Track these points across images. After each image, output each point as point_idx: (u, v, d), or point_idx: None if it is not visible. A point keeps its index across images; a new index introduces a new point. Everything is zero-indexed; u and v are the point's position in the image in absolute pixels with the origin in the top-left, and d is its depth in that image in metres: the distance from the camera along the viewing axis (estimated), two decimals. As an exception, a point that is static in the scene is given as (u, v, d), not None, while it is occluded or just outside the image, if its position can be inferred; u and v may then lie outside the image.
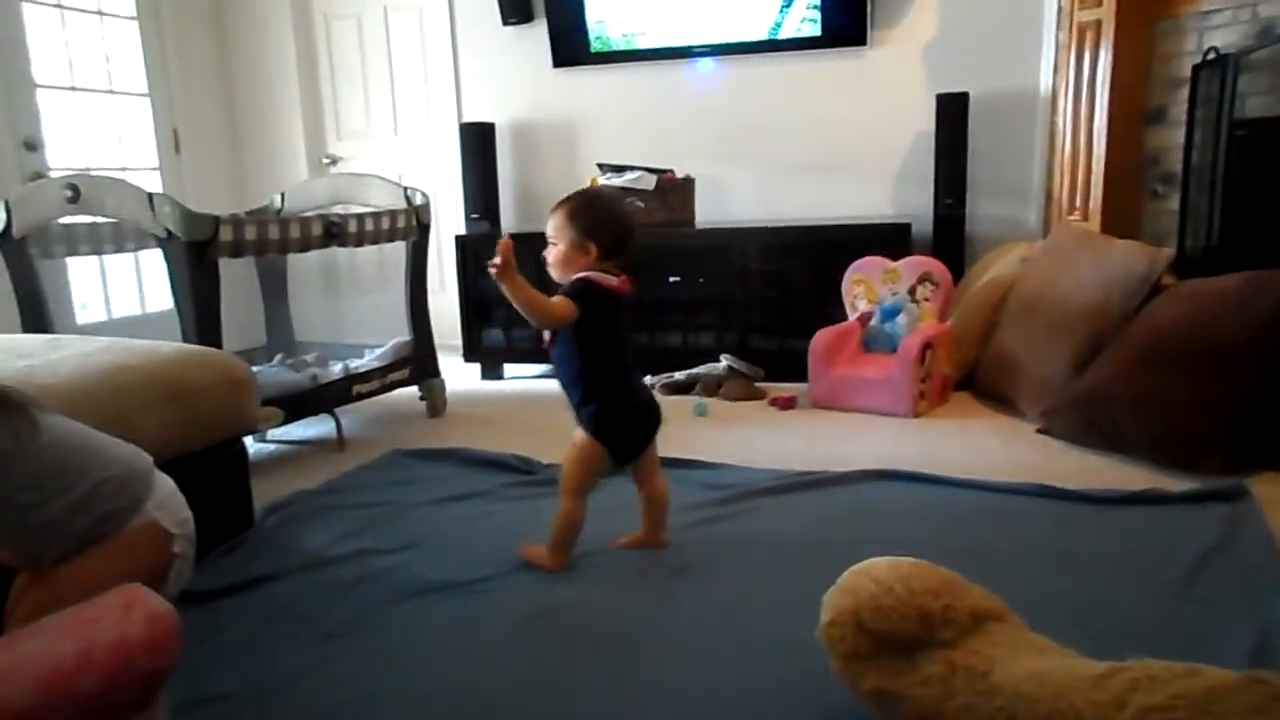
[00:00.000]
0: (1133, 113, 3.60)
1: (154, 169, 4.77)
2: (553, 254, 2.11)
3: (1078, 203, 3.75)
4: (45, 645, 1.04)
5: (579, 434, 2.15)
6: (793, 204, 4.49)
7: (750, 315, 4.10)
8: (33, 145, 3.94)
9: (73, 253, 3.17)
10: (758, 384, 3.90)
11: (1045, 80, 4.07)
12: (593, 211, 2.08)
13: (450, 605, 2.04)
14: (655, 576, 2.15)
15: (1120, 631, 1.80)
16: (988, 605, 1.47)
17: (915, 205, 4.23)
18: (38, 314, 3.07)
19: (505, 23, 4.71)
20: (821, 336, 3.62)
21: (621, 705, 1.64)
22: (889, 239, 3.87)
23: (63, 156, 4.18)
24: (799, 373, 3.75)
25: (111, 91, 4.58)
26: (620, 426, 2.14)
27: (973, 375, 3.72)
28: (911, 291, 3.67)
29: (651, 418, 2.21)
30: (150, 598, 1.15)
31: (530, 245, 4.31)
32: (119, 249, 3.21)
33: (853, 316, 3.79)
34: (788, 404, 3.67)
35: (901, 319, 3.67)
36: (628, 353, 2.16)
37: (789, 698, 1.64)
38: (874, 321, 3.76)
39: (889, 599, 1.45)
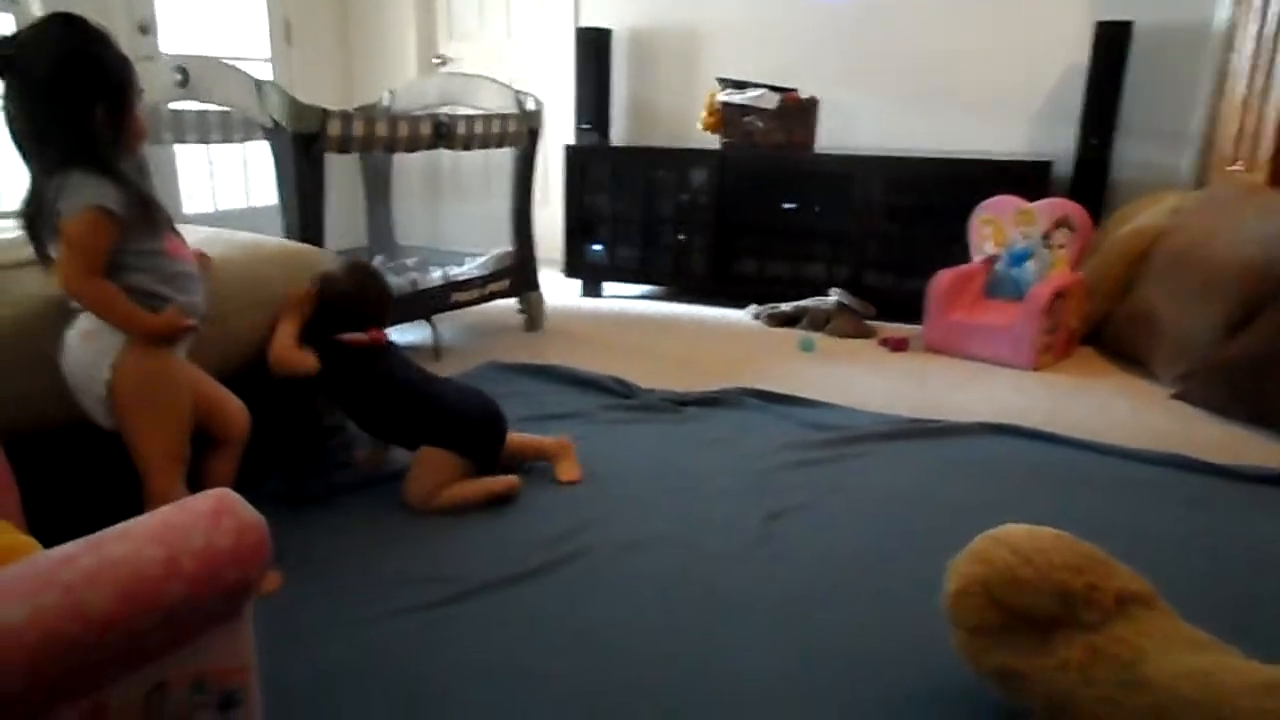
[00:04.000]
0: (1319, 54, 3.22)
1: (265, 60, 4.72)
2: None
3: (1243, 152, 3.40)
4: (131, 549, 0.98)
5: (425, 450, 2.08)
6: (922, 135, 4.21)
7: (866, 249, 3.89)
8: (146, 28, 3.92)
9: (180, 140, 3.14)
10: (868, 322, 3.71)
11: (1223, 13, 3.68)
12: (322, 294, 2.12)
13: (534, 532, 1.97)
14: (747, 518, 2.04)
15: (1267, 626, 1.62)
16: (1136, 588, 1.33)
17: (1056, 144, 3.92)
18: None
19: (629, -77, 4.49)
20: (943, 277, 3.40)
21: (716, 659, 1.54)
22: (1025, 178, 3.59)
23: (175, 42, 4.14)
24: (913, 314, 3.56)
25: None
26: (464, 440, 2.09)
27: (1101, 330, 3.46)
28: (1045, 236, 3.41)
29: (490, 427, 2.16)
30: (241, 506, 1.08)
31: (640, 159, 4.21)
32: (226, 139, 3.16)
33: (978, 259, 3.56)
34: (899, 345, 3.48)
35: (1031, 264, 3.42)
36: (425, 384, 2.14)
37: (897, 663, 1.52)
38: (1000, 265, 3.51)
39: (1026, 570, 1.32)
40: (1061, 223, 3.37)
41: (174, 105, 3.02)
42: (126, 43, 3.78)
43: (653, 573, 1.80)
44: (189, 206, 4.17)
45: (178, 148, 3.49)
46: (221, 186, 4.40)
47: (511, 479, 2.10)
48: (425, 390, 2.12)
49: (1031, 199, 3.46)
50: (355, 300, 2.13)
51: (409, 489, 2.05)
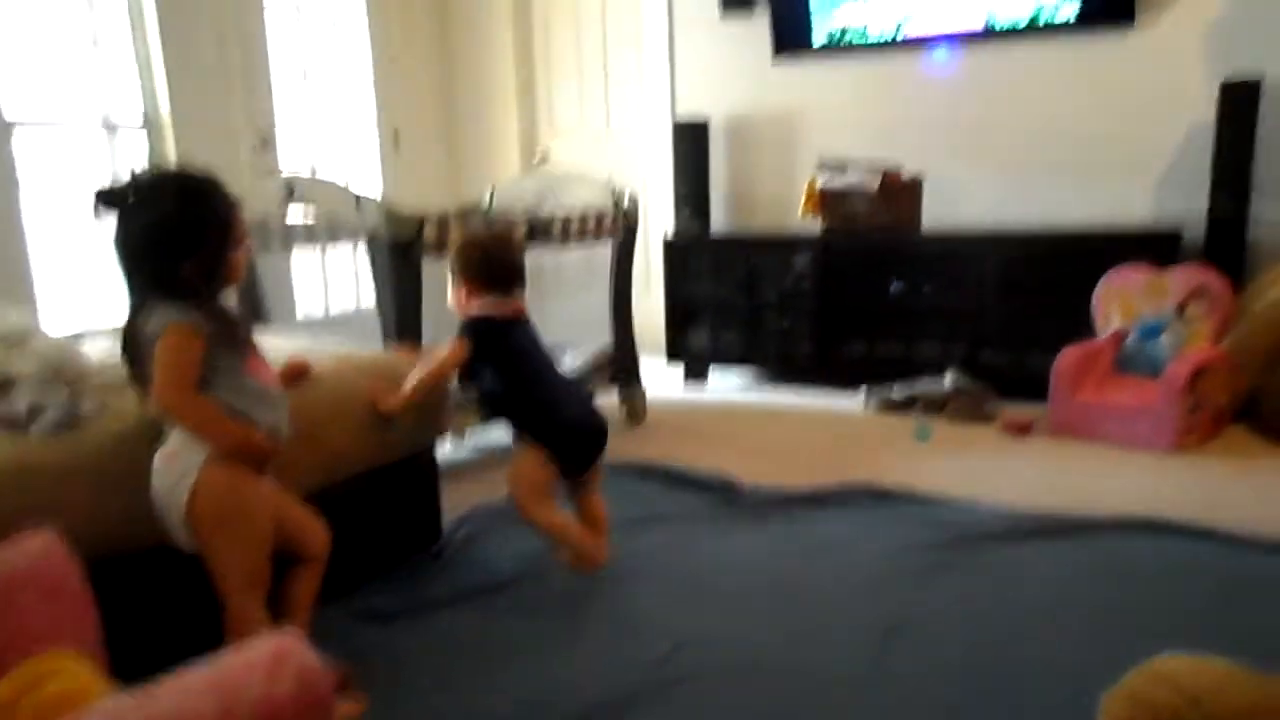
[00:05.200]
0: None
1: (376, 166, 4.88)
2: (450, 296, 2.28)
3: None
4: (184, 704, 0.91)
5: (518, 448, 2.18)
6: (1035, 207, 4.01)
7: (982, 327, 3.70)
8: (267, 141, 4.10)
9: (288, 248, 3.24)
10: (988, 405, 3.50)
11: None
12: (459, 253, 2.22)
13: (633, 646, 1.85)
14: (863, 634, 1.87)
15: None
16: (1336, 737, 1.12)
17: (1183, 210, 3.66)
18: (253, 308, 3.14)
19: (724, 14, 4.50)
20: (1068, 355, 3.18)
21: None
22: (1151, 248, 3.36)
23: (294, 154, 4.32)
24: (1035, 393, 3.33)
25: (338, 87, 4.71)
26: (556, 439, 2.15)
27: (1255, 407, 3.16)
28: (1180, 308, 3.16)
29: (589, 435, 2.22)
30: (303, 651, 1.01)
31: (740, 249, 4.15)
32: (333, 239, 3.24)
33: (1104, 334, 3.32)
34: (1023, 430, 3.26)
35: (1165, 339, 3.17)
36: (547, 372, 2.25)
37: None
38: (1130, 340, 3.27)
39: (1195, 716, 1.13)
40: (1197, 293, 3.12)
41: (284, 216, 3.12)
42: (248, 159, 4.00)
43: (760, 701, 1.65)
44: (302, 311, 4.28)
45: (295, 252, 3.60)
46: (334, 290, 4.50)
47: (599, 558, 2.16)
48: (548, 377, 2.24)
49: (1160, 268, 3.23)
50: (495, 256, 2.22)
51: (510, 486, 2.15)
